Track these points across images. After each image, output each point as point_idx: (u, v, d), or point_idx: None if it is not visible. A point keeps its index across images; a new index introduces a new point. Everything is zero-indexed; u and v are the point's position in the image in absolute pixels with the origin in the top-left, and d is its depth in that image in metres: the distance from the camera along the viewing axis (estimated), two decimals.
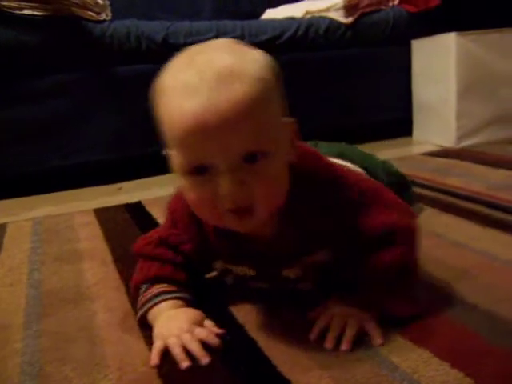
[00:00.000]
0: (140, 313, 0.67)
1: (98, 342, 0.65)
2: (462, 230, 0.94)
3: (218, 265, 0.74)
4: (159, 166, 1.74)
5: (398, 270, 0.63)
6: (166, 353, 0.59)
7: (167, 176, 1.68)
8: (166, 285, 0.68)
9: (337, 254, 0.66)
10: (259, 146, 0.53)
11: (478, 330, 0.60)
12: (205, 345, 0.60)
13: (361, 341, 0.59)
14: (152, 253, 0.71)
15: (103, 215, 1.26)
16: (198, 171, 0.53)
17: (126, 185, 1.67)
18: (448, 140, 1.83)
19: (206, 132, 0.50)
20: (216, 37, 1.78)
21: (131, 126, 1.72)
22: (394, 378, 0.52)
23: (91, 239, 1.09)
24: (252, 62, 0.54)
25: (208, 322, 0.64)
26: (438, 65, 1.85)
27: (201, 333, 0.61)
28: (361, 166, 0.87)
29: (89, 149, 1.69)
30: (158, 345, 0.60)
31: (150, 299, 0.67)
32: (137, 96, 1.75)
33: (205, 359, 0.57)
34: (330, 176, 0.65)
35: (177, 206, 0.71)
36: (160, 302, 0.66)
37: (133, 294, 0.71)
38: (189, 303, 0.67)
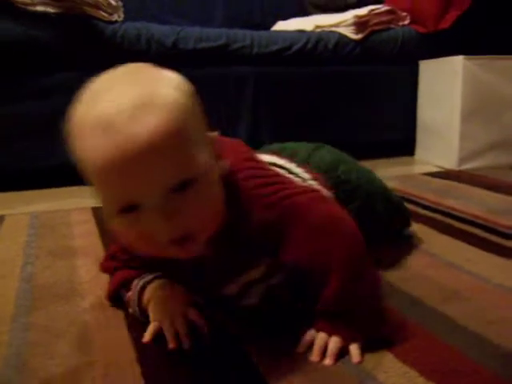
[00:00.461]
0: (135, 297, 0.69)
1: (86, 338, 0.65)
2: (458, 251, 0.94)
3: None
4: None
5: (345, 300, 0.60)
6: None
7: None
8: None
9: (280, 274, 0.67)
10: (185, 175, 0.50)
11: (466, 351, 0.59)
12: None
13: (346, 357, 0.59)
14: (117, 264, 0.75)
15: (100, 214, 1.26)
16: (126, 210, 0.51)
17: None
18: (450, 162, 1.84)
19: (124, 171, 0.47)
20: (226, 45, 1.80)
21: None
22: None
23: (87, 236, 1.09)
24: (163, 87, 0.51)
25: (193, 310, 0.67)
26: (444, 86, 1.86)
27: (192, 315, 0.65)
28: (357, 182, 0.83)
29: None
30: (151, 329, 0.64)
31: (137, 284, 0.70)
32: None
33: (187, 344, 0.62)
34: (250, 192, 0.61)
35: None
36: (148, 282, 0.69)
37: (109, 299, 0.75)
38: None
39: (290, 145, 0.86)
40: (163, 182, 0.49)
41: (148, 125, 0.47)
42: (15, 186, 1.60)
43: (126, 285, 0.72)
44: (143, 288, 0.69)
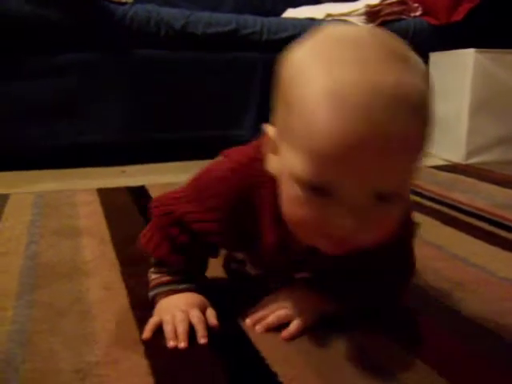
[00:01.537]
0: (153, 292, 0.65)
1: (89, 317, 0.65)
2: (463, 244, 0.94)
3: (239, 255, 0.73)
4: (164, 153, 1.76)
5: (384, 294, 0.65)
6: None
7: (172, 164, 1.70)
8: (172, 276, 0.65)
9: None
10: (399, 188, 0.46)
11: (469, 341, 0.60)
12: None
13: (350, 340, 0.59)
14: (168, 231, 0.63)
15: (106, 195, 1.26)
16: (317, 189, 0.45)
17: (129, 168, 1.67)
18: (457, 156, 1.83)
19: (356, 156, 0.42)
20: (236, 30, 1.78)
21: (143, 109, 1.73)
22: (382, 377, 0.52)
23: (91, 217, 1.09)
24: (424, 89, 0.45)
25: (210, 311, 0.63)
26: (454, 79, 1.84)
27: (194, 317, 0.61)
28: None
29: (98, 129, 1.69)
30: (153, 320, 0.61)
31: (164, 284, 0.65)
32: (151, 80, 1.77)
33: (183, 344, 0.58)
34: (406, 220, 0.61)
35: (219, 189, 0.59)
36: (168, 292, 0.64)
37: (139, 248, 0.68)
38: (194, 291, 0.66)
39: None
40: (382, 185, 0.44)
41: (408, 124, 0.42)
42: (21, 165, 1.60)
43: (158, 263, 0.65)
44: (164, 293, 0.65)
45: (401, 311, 0.67)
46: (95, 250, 0.89)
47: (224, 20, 1.78)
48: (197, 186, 0.63)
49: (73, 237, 0.96)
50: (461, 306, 0.68)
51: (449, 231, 1.02)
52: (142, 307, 0.66)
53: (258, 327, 0.62)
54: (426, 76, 0.46)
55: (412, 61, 0.46)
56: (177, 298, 0.63)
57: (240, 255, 0.74)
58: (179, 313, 0.61)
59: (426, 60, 1.99)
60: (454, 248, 0.91)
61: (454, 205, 1.21)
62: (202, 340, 0.58)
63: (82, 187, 1.36)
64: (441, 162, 1.82)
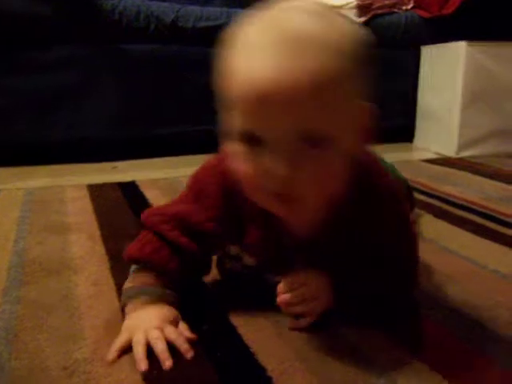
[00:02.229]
0: (121, 304, 0.62)
1: (77, 314, 0.64)
2: (454, 237, 0.94)
3: (233, 250, 0.67)
4: (156, 149, 1.75)
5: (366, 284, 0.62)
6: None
7: (163, 159, 1.69)
8: (151, 277, 0.61)
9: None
10: (322, 126, 0.46)
11: (459, 334, 0.59)
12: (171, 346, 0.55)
13: (341, 334, 0.59)
14: (158, 228, 0.62)
15: (95, 191, 1.25)
16: (250, 140, 0.47)
17: (121, 164, 1.66)
18: (448, 149, 1.83)
19: (269, 98, 0.44)
20: (226, 24, 1.77)
21: (133, 105, 1.71)
22: (371, 373, 0.52)
23: (81, 213, 1.08)
24: (338, 32, 0.47)
25: (182, 325, 0.59)
26: (446, 73, 1.84)
27: (171, 334, 0.56)
28: None
29: (88, 124, 1.68)
30: (121, 339, 0.56)
31: (130, 292, 0.61)
32: (141, 75, 1.75)
33: (168, 362, 0.52)
34: (391, 191, 0.61)
35: (208, 178, 0.62)
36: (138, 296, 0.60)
37: (126, 262, 0.65)
38: (168, 302, 0.61)
39: None
40: (300, 123, 0.45)
41: (310, 62, 0.43)
42: (10, 161, 1.58)
43: (145, 263, 0.62)
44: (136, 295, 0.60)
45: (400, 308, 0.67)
46: (84, 246, 0.88)
47: (214, 14, 1.77)
48: (190, 189, 0.64)
49: (62, 233, 0.95)
50: (451, 299, 0.68)
51: (440, 224, 1.02)
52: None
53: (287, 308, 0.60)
54: (347, 31, 0.48)
55: (330, 19, 0.48)
56: (147, 313, 0.58)
57: (234, 250, 0.68)
58: (153, 330, 0.55)
59: (417, 53, 1.99)
60: (446, 241, 0.91)
61: (446, 198, 1.21)
62: (189, 354, 0.54)
63: (72, 183, 1.35)
64: (432, 156, 1.82)
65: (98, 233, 0.95)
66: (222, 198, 0.61)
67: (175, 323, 0.58)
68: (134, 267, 0.64)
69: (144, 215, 0.65)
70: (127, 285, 0.63)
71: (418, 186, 1.31)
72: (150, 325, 0.56)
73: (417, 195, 1.22)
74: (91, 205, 1.14)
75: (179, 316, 0.60)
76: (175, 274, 0.62)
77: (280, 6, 0.48)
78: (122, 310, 0.61)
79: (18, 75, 1.59)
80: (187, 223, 0.62)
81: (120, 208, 1.11)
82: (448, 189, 1.30)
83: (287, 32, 0.45)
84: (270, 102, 0.44)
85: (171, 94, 1.74)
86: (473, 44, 1.74)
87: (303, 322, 0.60)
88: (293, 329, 0.60)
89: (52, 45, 1.61)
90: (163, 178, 1.38)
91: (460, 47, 1.75)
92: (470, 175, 1.48)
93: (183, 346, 0.55)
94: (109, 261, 0.81)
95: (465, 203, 1.16)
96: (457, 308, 0.65)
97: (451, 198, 1.20)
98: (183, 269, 0.62)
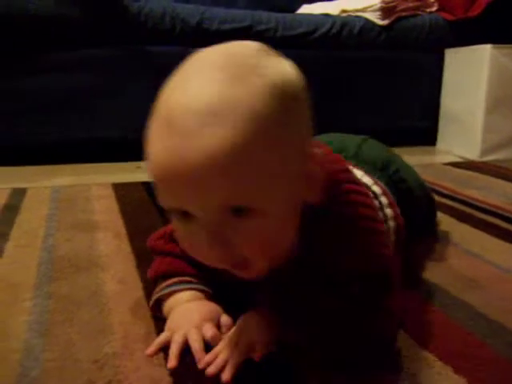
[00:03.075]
0: (155, 297, 0.63)
1: (106, 309, 0.66)
2: (478, 240, 0.93)
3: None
4: None
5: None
6: None
7: None
8: (181, 277, 0.63)
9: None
10: (247, 202, 0.43)
11: (484, 339, 0.59)
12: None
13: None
14: (163, 248, 0.66)
15: (121, 190, 1.27)
16: (182, 214, 0.46)
17: (144, 164, 1.68)
18: (472, 153, 1.81)
19: (179, 179, 0.42)
20: (250, 26, 1.78)
21: None
22: (397, 378, 0.52)
23: (107, 212, 1.10)
24: (252, 86, 0.43)
25: (224, 318, 0.59)
26: (470, 76, 1.83)
27: (207, 331, 0.56)
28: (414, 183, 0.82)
29: (113, 124, 1.71)
30: (162, 337, 0.57)
31: (165, 287, 0.63)
32: (165, 77, 1.77)
33: (200, 363, 0.52)
34: (366, 225, 0.54)
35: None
36: (176, 291, 0.61)
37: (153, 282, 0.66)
38: (207, 296, 0.62)
39: (335, 137, 0.82)
40: (216, 201, 0.43)
41: (215, 138, 0.40)
42: (37, 160, 1.62)
43: (166, 275, 0.64)
44: (172, 293, 0.62)
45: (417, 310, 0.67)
46: (110, 244, 0.90)
47: (239, 16, 1.78)
48: None
49: (89, 231, 0.97)
50: (475, 303, 0.68)
51: (463, 228, 1.01)
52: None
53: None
54: (264, 87, 0.43)
55: (243, 71, 0.43)
56: (190, 311, 0.59)
57: None
58: (192, 330, 0.56)
59: (441, 56, 1.98)
60: (469, 244, 0.91)
61: (469, 202, 1.20)
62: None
63: (97, 182, 1.38)
64: (455, 159, 1.81)
65: (123, 231, 0.97)
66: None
67: (216, 319, 0.58)
68: (159, 281, 0.65)
69: (149, 242, 0.70)
70: (158, 288, 0.64)
71: (440, 190, 1.30)
72: (191, 324, 0.56)
73: (439, 198, 1.22)
74: (117, 203, 1.16)
75: (220, 310, 0.60)
76: (198, 277, 0.63)
77: (200, 59, 0.47)
78: (154, 306, 0.63)
79: (45, 75, 1.63)
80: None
81: (145, 207, 1.13)
82: (471, 192, 1.29)
83: (193, 102, 0.42)
84: (182, 182, 0.42)
85: None
86: (498, 47, 1.72)
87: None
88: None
89: (79, 46, 1.64)
90: None
91: (485, 50, 1.74)
92: (493, 179, 1.47)
93: (216, 344, 0.54)
94: (135, 259, 0.83)
95: (488, 207, 1.15)
96: (481, 313, 0.65)
97: (474, 202, 1.20)
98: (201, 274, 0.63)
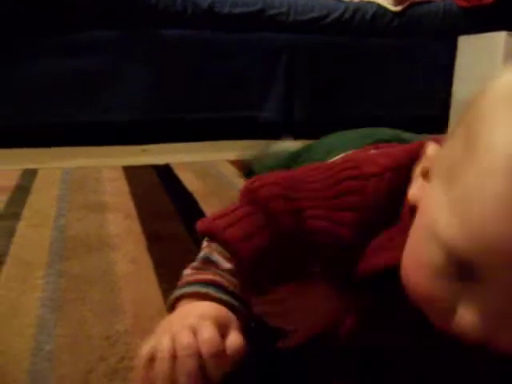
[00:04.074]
0: (173, 295, 0.44)
1: (116, 288, 0.67)
2: None
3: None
4: (187, 133, 1.77)
5: None
6: None
7: (195, 143, 1.71)
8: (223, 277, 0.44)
9: None
10: None
11: None
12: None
13: None
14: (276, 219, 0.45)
15: (131, 173, 1.28)
16: (462, 267, 0.33)
17: (153, 147, 1.69)
18: None
19: None
20: (262, 10, 1.77)
21: (167, 89, 1.74)
22: None
23: (117, 193, 1.11)
24: None
25: (234, 336, 0.39)
26: (483, 63, 1.81)
27: (203, 333, 0.37)
28: None
29: (121, 107, 1.71)
30: (147, 346, 0.38)
31: (187, 287, 0.44)
32: (175, 60, 1.77)
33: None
34: None
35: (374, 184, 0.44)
36: (199, 295, 0.43)
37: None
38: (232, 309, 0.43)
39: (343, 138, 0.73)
40: None
41: None
42: (46, 142, 1.62)
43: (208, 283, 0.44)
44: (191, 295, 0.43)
45: None
46: (121, 225, 0.91)
47: (251, 0, 1.77)
48: (332, 171, 0.47)
49: (99, 211, 0.98)
50: None
51: None
52: (168, 281, 0.67)
53: None
54: None
55: None
56: (190, 308, 0.42)
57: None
58: (183, 333, 0.37)
59: (454, 43, 1.96)
60: None
61: None
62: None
63: (107, 164, 1.38)
64: None
65: (134, 212, 0.97)
66: (366, 215, 0.44)
67: (223, 326, 0.39)
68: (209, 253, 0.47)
69: (259, 189, 0.46)
70: (186, 278, 0.45)
71: None
72: (183, 323, 0.39)
73: None
74: (127, 185, 1.16)
75: (236, 322, 0.41)
76: (253, 259, 0.44)
77: None
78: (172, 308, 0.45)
79: (55, 58, 1.63)
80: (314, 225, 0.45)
81: (155, 189, 1.13)
82: None
83: None
84: None
85: (206, 79, 1.76)
86: None
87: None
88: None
89: (90, 28, 1.64)
90: (197, 162, 1.40)
91: (499, 37, 1.72)
92: None
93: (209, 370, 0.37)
94: (145, 239, 0.83)
95: None
96: None
97: None
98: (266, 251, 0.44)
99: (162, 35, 1.71)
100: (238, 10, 1.74)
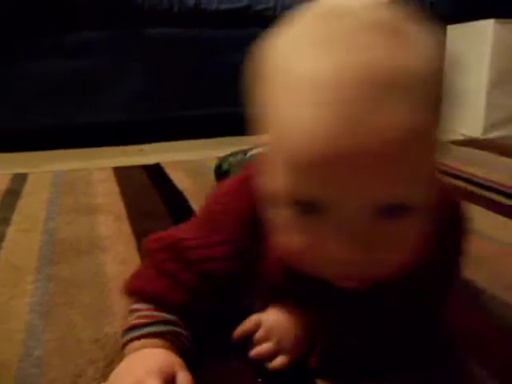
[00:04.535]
0: (126, 337, 0.48)
1: (106, 291, 0.66)
2: (481, 218, 0.93)
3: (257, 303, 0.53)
4: (180, 131, 1.76)
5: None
6: None
7: (189, 142, 1.71)
8: (154, 311, 0.48)
9: None
10: (406, 194, 0.35)
11: (486, 314, 0.60)
12: None
13: None
14: (164, 266, 0.51)
15: (121, 173, 1.27)
16: (307, 207, 0.36)
17: (147, 147, 1.68)
18: (475, 130, 1.80)
19: (343, 164, 0.33)
20: (249, 6, 1.76)
21: (157, 88, 1.73)
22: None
23: (107, 195, 1.10)
24: (419, 58, 0.35)
25: (182, 376, 0.43)
26: (473, 52, 1.80)
27: None
28: None
29: (113, 108, 1.70)
30: None
31: (127, 334, 0.48)
32: (165, 59, 1.76)
33: None
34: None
35: (234, 203, 0.50)
36: (139, 337, 0.47)
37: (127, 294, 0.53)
38: (181, 341, 0.48)
39: None
40: (381, 196, 0.34)
41: (398, 116, 0.32)
42: (37, 145, 1.61)
43: (147, 299, 0.50)
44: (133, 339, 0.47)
45: None
46: (111, 227, 0.90)
47: None
48: (206, 215, 0.55)
49: (90, 214, 0.97)
50: (478, 280, 0.68)
51: (467, 206, 1.01)
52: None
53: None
54: (431, 54, 0.37)
55: (410, 35, 0.36)
56: (134, 361, 0.45)
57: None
58: None
59: (443, 32, 1.95)
60: (472, 222, 0.90)
61: (472, 179, 1.20)
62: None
63: (98, 166, 1.37)
64: (458, 137, 1.80)
65: (124, 214, 0.97)
66: (248, 237, 0.49)
67: (168, 373, 0.42)
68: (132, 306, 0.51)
69: (146, 245, 0.55)
70: (128, 324, 0.49)
71: (443, 168, 1.29)
72: (130, 379, 0.42)
73: (442, 177, 1.21)
74: (117, 187, 1.16)
75: (179, 363, 0.44)
76: (179, 307, 0.49)
77: (343, 17, 0.35)
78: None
79: (44, 60, 1.62)
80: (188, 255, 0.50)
81: (145, 190, 1.13)
82: (474, 169, 1.28)
83: (361, 71, 0.32)
84: (340, 167, 0.33)
85: (194, 77, 1.75)
86: (501, 22, 1.70)
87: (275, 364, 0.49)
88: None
89: (76, 29, 1.63)
90: (188, 161, 1.39)
91: (487, 25, 1.71)
92: (496, 156, 1.46)
93: None
94: (135, 241, 0.83)
95: (491, 184, 1.15)
96: (483, 287, 0.66)
97: (477, 179, 1.19)
98: (188, 301, 0.49)
99: (149, 34, 1.70)
100: (224, 7, 1.72)
